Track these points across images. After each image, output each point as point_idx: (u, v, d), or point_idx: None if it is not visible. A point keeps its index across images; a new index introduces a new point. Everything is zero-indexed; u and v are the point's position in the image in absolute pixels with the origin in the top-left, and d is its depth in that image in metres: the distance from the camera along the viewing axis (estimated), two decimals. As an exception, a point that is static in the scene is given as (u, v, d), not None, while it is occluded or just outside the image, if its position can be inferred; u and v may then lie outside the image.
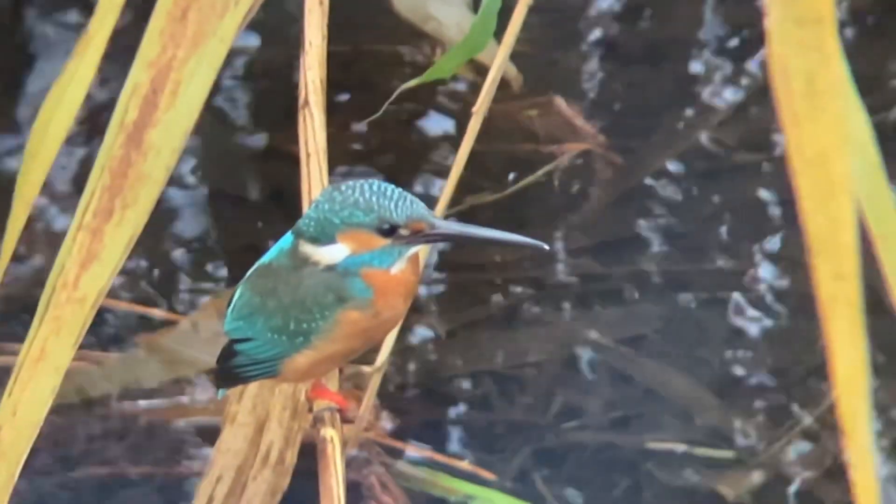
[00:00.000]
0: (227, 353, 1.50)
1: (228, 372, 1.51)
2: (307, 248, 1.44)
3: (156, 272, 2.07)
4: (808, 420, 1.96)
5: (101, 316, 2.00)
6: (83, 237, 0.89)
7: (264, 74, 2.19)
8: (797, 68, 0.82)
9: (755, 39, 2.23)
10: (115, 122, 0.88)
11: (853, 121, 0.87)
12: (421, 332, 2.04)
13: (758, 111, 2.17)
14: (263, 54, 2.20)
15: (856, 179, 0.86)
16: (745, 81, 2.20)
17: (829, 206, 0.83)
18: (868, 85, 2.07)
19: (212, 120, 2.16)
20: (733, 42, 2.23)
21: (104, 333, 2.02)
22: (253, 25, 2.13)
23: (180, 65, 0.87)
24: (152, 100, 0.87)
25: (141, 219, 0.89)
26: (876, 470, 0.88)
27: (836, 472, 1.87)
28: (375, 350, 1.68)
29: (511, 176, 2.13)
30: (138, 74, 0.87)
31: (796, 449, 1.96)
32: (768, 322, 2.05)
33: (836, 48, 0.82)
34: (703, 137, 2.17)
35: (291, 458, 1.61)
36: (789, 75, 0.82)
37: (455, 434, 1.98)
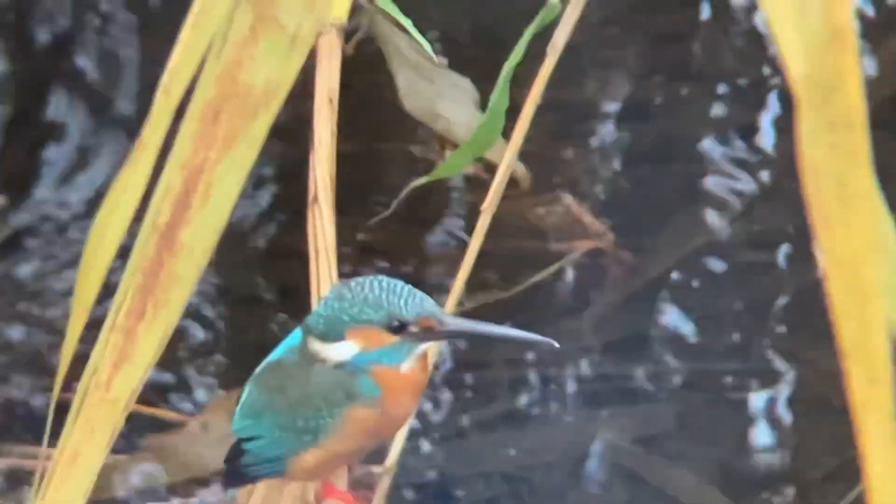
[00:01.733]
0: (235, 452, 1.50)
1: (236, 471, 1.50)
2: (316, 346, 1.44)
3: (164, 372, 2.06)
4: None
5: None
6: (116, 338, 0.89)
7: (274, 171, 2.20)
8: (829, 172, 0.82)
9: (764, 138, 2.24)
10: (147, 222, 0.89)
11: (881, 225, 0.87)
12: (431, 432, 2.03)
13: (768, 209, 2.18)
14: (273, 152, 2.20)
15: (885, 286, 0.86)
16: (754, 179, 2.21)
17: (861, 311, 0.83)
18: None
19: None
20: (742, 140, 2.24)
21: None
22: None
23: (212, 166, 0.88)
24: (184, 201, 0.87)
25: (173, 319, 0.89)
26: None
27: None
28: (385, 449, 1.67)
29: (520, 274, 2.13)
30: (171, 176, 0.87)
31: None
32: (782, 423, 2.04)
33: (867, 153, 0.83)
34: (714, 235, 2.17)
35: (300, 559, 1.59)
36: (821, 181, 0.83)
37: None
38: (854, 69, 0.80)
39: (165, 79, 0.88)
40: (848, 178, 0.81)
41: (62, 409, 0.94)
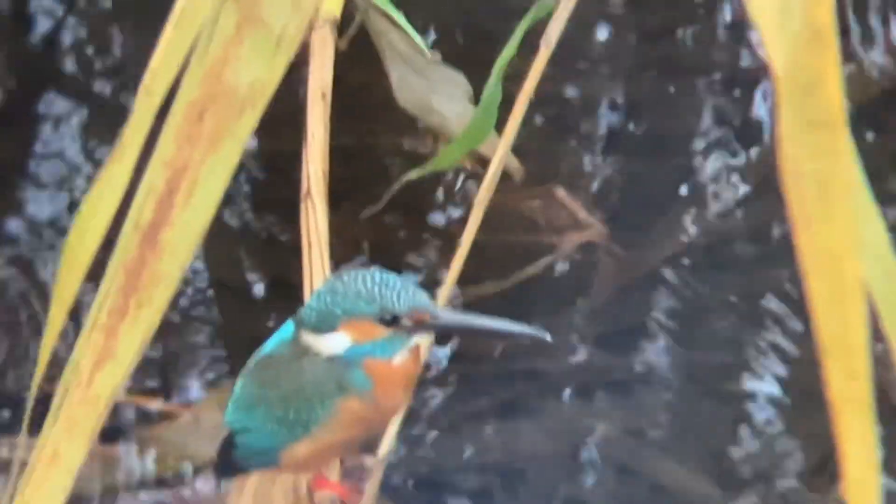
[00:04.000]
0: (228, 444, 1.50)
1: (228, 463, 1.51)
2: (308, 338, 1.45)
3: (156, 364, 2.07)
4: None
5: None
6: (97, 336, 0.89)
7: (267, 166, 2.20)
8: (808, 172, 0.83)
9: (756, 132, 2.24)
10: (130, 222, 0.89)
11: (868, 222, 0.88)
12: (423, 424, 2.04)
13: (760, 203, 2.18)
14: (266, 146, 2.21)
15: (872, 282, 0.87)
16: (746, 173, 2.21)
17: (840, 308, 0.84)
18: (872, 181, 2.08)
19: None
20: (735, 134, 2.24)
21: (105, 427, 2.01)
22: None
23: (196, 165, 0.88)
24: (168, 200, 0.88)
25: (155, 318, 0.90)
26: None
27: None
28: (378, 441, 1.67)
29: (513, 267, 2.13)
30: (154, 175, 0.87)
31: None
32: (774, 415, 2.04)
33: (847, 151, 0.83)
34: (706, 229, 2.17)
35: (293, 550, 1.60)
36: (801, 179, 0.83)
37: (458, 527, 1.97)
38: (834, 68, 0.81)
39: (147, 79, 0.89)
40: (828, 176, 0.81)
41: (47, 401, 0.94)
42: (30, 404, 1.03)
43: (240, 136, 0.87)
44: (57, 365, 0.97)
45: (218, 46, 0.88)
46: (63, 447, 0.93)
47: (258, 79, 0.88)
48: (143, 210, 0.89)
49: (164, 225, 0.89)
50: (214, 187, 0.88)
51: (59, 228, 2.13)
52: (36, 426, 0.97)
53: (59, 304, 0.92)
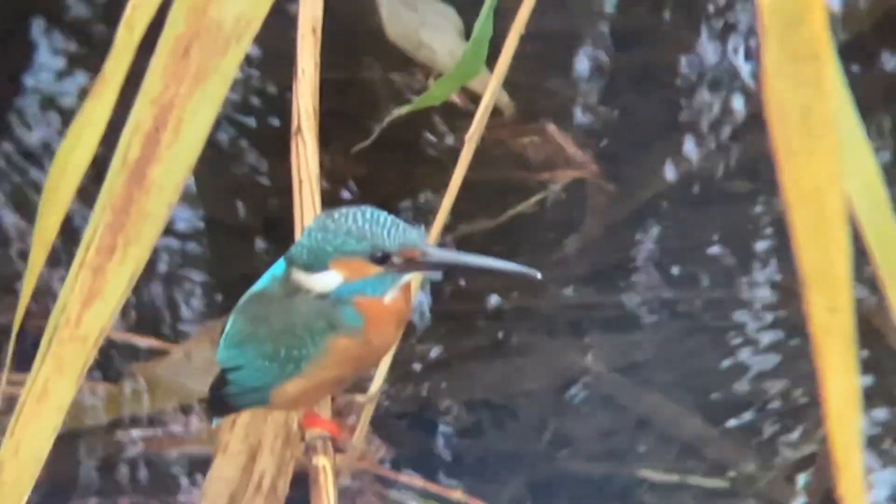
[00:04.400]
0: (219, 382, 1.50)
1: (220, 400, 1.50)
2: (299, 276, 1.44)
3: (148, 301, 2.07)
4: (804, 450, 1.96)
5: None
6: (85, 275, 0.89)
7: (257, 102, 2.19)
8: (793, 104, 0.82)
9: (748, 67, 2.23)
10: (117, 159, 0.88)
11: (856, 153, 0.87)
12: (414, 361, 2.04)
13: (751, 138, 2.17)
14: (256, 82, 2.19)
15: (861, 213, 0.87)
16: (737, 108, 2.21)
17: (822, 240, 0.84)
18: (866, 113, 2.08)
19: (204, 148, 2.16)
20: (726, 69, 2.23)
21: (96, 362, 2.01)
22: (245, 54, 2.13)
23: (183, 102, 0.87)
24: (154, 137, 0.87)
25: (143, 256, 0.89)
26: (867, 501, 0.88)
27: (831, 503, 1.87)
28: (368, 379, 1.67)
29: (504, 203, 2.13)
30: (141, 112, 0.87)
31: (791, 479, 1.96)
32: (763, 350, 2.05)
33: (832, 84, 0.82)
34: (696, 165, 2.17)
35: (284, 487, 1.60)
36: (785, 111, 0.82)
37: (448, 463, 1.98)
38: (819, 0, 0.80)
39: (128, 13, 0.88)
40: (812, 108, 0.81)
41: (36, 338, 0.94)
42: (12, 340, 1.03)
43: (226, 72, 0.86)
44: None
45: (203, -19, 0.87)
46: (52, 385, 0.93)
47: (243, 13, 0.87)
48: (130, 147, 0.88)
49: (151, 162, 0.88)
50: (201, 123, 0.87)
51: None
52: (28, 363, 0.97)
53: (41, 241, 0.91)
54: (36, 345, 0.97)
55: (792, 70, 0.80)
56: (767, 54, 0.80)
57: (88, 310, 0.90)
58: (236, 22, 0.87)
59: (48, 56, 2.22)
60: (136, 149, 0.86)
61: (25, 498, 0.97)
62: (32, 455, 0.94)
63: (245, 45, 0.87)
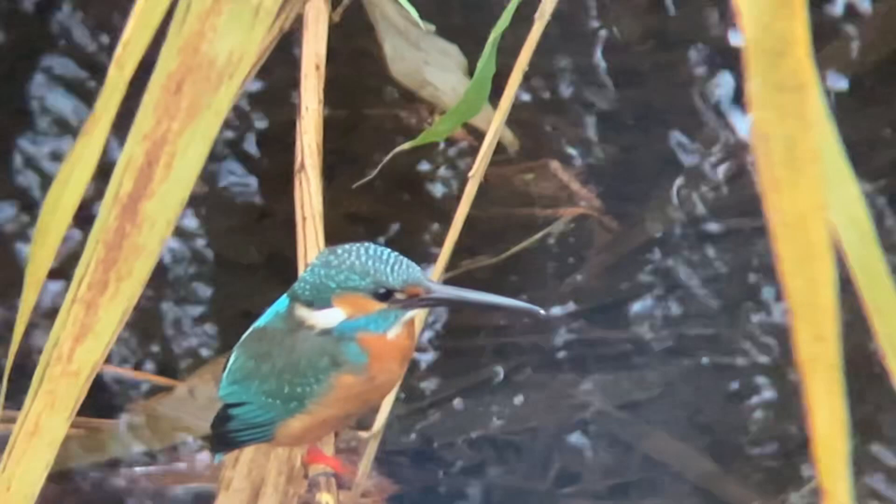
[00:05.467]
0: (222, 418, 1.50)
1: (223, 437, 1.51)
2: (302, 312, 1.45)
3: (151, 337, 2.07)
4: (808, 486, 1.95)
5: (96, 382, 2.00)
6: (77, 310, 0.89)
7: (261, 139, 2.20)
8: (778, 134, 0.83)
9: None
10: (109, 194, 0.89)
11: (842, 185, 0.88)
12: (418, 398, 2.04)
13: (753, 176, 2.17)
14: (260, 119, 2.20)
15: (846, 244, 0.87)
16: (740, 147, 2.21)
17: (808, 270, 0.84)
18: (863, 151, 2.08)
19: (208, 184, 2.17)
20: (728, 107, 2.23)
21: (99, 400, 2.02)
22: (250, 91, 2.14)
23: (175, 137, 0.88)
24: (147, 172, 0.87)
25: (135, 291, 0.89)
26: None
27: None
28: (372, 415, 1.67)
29: (507, 240, 2.13)
30: (133, 147, 0.87)
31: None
32: (768, 387, 2.04)
33: (817, 115, 0.83)
34: (699, 203, 2.17)
35: (287, 524, 1.60)
36: (770, 141, 0.83)
37: (452, 500, 1.97)
38: (803, 32, 0.81)
39: (119, 51, 0.88)
40: (796, 139, 0.81)
41: (28, 374, 0.95)
42: (5, 378, 1.03)
43: (218, 108, 0.87)
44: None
45: (195, 17, 0.87)
46: (44, 421, 0.93)
47: (236, 50, 0.88)
48: (123, 182, 0.88)
49: (143, 197, 0.88)
50: (193, 159, 0.88)
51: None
52: (19, 399, 0.97)
53: (33, 280, 0.92)
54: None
55: (777, 100, 0.81)
56: (752, 85, 0.80)
57: (81, 345, 0.90)
58: (229, 58, 0.87)
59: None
60: (129, 184, 0.87)
61: (18, 532, 0.97)
62: (24, 491, 0.94)
63: (238, 81, 0.87)
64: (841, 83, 2.19)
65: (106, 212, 0.88)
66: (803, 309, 0.82)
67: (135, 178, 0.88)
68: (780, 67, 0.79)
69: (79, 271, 0.90)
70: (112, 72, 0.88)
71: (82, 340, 0.90)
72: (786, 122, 0.80)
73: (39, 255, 0.91)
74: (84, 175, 0.89)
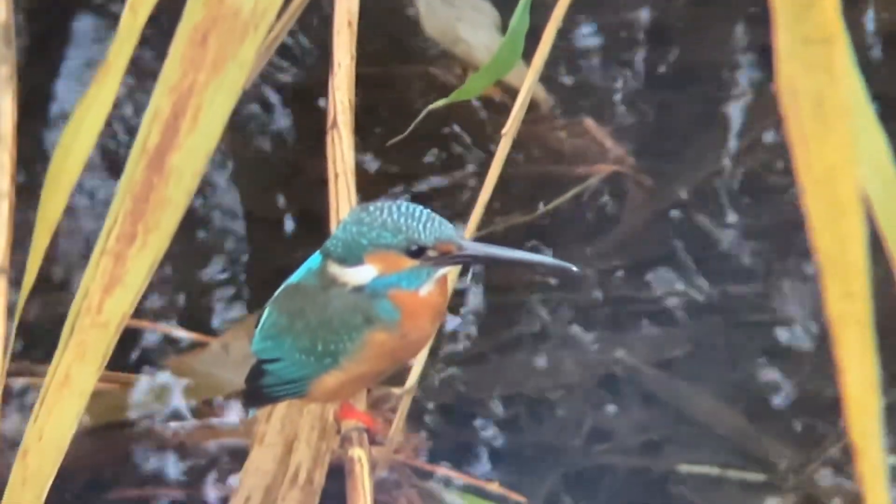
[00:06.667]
0: (256, 373, 1.51)
1: (257, 392, 1.51)
2: (335, 269, 1.45)
3: (185, 294, 2.08)
4: (841, 442, 1.95)
5: (131, 338, 2.01)
6: (106, 262, 0.89)
7: (294, 96, 2.20)
8: (805, 88, 0.82)
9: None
10: (137, 147, 0.89)
11: (869, 139, 0.87)
12: (451, 354, 2.04)
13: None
14: (293, 76, 2.20)
15: (874, 198, 0.86)
16: (775, 104, 2.19)
17: (837, 225, 0.83)
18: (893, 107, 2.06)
19: (242, 142, 2.17)
20: (763, 64, 2.22)
21: (134, 355, 2.03)
22: (283, 48, 2.13)
23: (201, 89, 0.88)
24: (173, 124, 0.87)
25: (163, 243, 0.90)
26: (888, 488, 0.88)
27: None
28: (405, 371, 1.68)
29: (541, 198, 2.12)
30: (159, 99, 0.87)
31: (829, 472, 1.94)
32: (801, 344, 2.03)
33: (846, 68, 0.82)
34: (733, 160, 2.16)
35: (320, 478, 1.61)
36: (797, 95, 0.82)
37: (485, 456, 1.98)
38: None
39: (131, -4, 0.88)
40: (824, 93, 0.80)
41: (58, 326, 0.95)
42: (14, 324, 1.04)
43: (243, 60, 0.87)
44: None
45: (221, -31, 0.87)
46: (74, 371, 0.94)
47: (261, 1, 0.87)
48: (150, 135, 0.89)
49: (170, 149, 0.89)
50: (219, 111, 0.88)
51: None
52: (49, 351, 0.98)
53: (44, 224, 0.92)
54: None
55: (804, 54, 0.80)
56: (779, 38, 0.79)
57: (110, 297, 0.91)
58: (253, 9, 0.87)
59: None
60: (156, 136, 0.87)
61: (49, 482, 0.98)
62: (56, 441, 0.95)
63: (262, 32, 0.87)
64: (873, 38, 2.18)
65: (133, 164, 0.89)
66: (833, 265, 0.82)
67: (161, 131, 0.88)
68: (807, 19, 0.79)
69: (107, 223, 0.90)
70: (125, 16, 0.88)
71: (111, 292, 0.91)
72: (813, 76, 0.79)
73: (51, 199, 0.91)
74: (97, 121, 0.89)
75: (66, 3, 2.24)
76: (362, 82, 1.67)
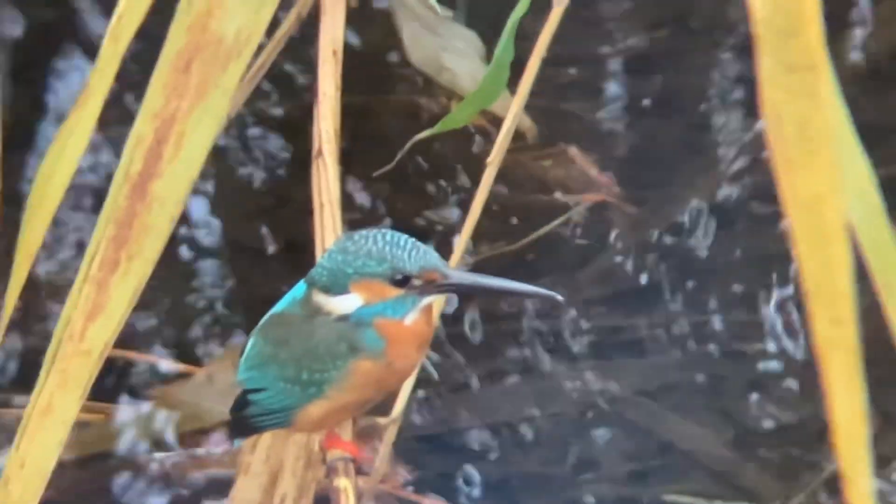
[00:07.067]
0: (241, 403, 1.50)
1: (242, 422, 1.51)
2: (320, 298, 1.45)
3: (170, 323, 2.07)
4: (827, 472, 1.95)
5: (115, 368, 2.00)
6: (89, 289, 0.89)
7: (279, 125, 2.20)
8: (789, 114, 0.82)
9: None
10: (119, 173, 0.89)
11: (853, 167, 0.87)
12: (436, 384, 2.04)
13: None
14: (278, 106, 2.20)
15: (858, 225, 0.86)
16: (759, 131, 2.20)
17: (824, 252, 0.83)
18: (881, 135, 2.07)
19: (226, 171, 2.17)
20: (747, 92, 2.23)
21: (119, 385, 2.02)
22: (268, 77, 2.14)
23: (184, 116, 0.88)
24: (156, 151, 0.87)
25: (146, 269, 0.90)
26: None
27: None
28: (391, 401, 1.67)
29: (525, 227, 2.13)
30: (142, 126, 0.87)
31: (815, 502, 1.94)
32: (787, 373, 2.03)
33: (829, 95, 0.82)
34: (718, 188, 2.16)
35: (305, 509, 1.61)
36: (782, 121, 0.83)
37: (470, 487, 1.97)
38: (814, 10, 0.80)
39: (113, 23, 0.88)
40: (808, 118, 0.81)
41: (37, 358, 0.95)
42: None
43: (226, 87, 0.87)
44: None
45: (203, -4, 0.87)
46: (57, 399, 0.93)
47: (243, 28, 0.87)
48: (133, 161, 0.88)
49: (153, 176, 0.89)
50: (202, 138, 0.88)
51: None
52: (29, 381, 0.98)
53: (24, 253, 0.92)
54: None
55: (787, 81, 0.80)
56: (763, 65, 0.80)
57: (92, 324, 0.90)
58: (237, 37, 0.87)
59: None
60: (138, 163, 0.87)
61: (32, 510, 0.97)
62: (38, 469, 0.95)
63: (245, 59, 0.87)
64: (856, 67, 2.19)
65: (116, 191, 0.89)
66: (819, 291, 0.82)
67: (144, 157, 0.88)
68: (791, 47, 0.79)
69: (90, 250, 0.90)
70: (106, 45, 0.88)
71: (94, 319, 0.91)
72: (797, 102, 0.80)
73: (32, 226, 0.91)
74: (78, 147, 0.89)
75: (52, 37, 2.24)
76: (347, 112, 1.67)
